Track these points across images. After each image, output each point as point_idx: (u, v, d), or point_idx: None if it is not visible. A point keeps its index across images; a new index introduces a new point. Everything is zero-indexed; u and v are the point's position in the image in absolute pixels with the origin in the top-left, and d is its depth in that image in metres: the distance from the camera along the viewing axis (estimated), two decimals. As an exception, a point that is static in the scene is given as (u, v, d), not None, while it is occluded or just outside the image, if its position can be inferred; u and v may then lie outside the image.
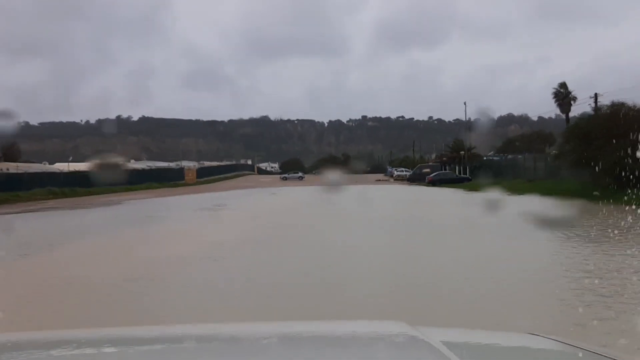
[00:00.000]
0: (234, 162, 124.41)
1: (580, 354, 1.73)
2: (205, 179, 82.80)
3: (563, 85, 79.51)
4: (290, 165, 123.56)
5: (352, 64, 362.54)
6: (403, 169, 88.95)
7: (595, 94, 45.12)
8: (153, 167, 79.91)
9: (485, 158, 70.41)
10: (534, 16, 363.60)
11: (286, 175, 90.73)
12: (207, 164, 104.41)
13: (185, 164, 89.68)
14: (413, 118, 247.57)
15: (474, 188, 47.28)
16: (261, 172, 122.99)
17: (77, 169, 65.27)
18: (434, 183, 58.87)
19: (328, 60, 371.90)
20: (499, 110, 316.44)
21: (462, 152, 69.90)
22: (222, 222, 22.41)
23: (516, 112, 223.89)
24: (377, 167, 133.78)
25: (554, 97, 79.21)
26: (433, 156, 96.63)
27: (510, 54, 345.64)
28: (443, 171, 65.95)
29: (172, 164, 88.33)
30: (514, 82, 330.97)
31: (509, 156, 62.99)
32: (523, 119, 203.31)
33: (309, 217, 22.90)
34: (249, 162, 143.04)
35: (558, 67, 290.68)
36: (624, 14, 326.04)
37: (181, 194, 49.02)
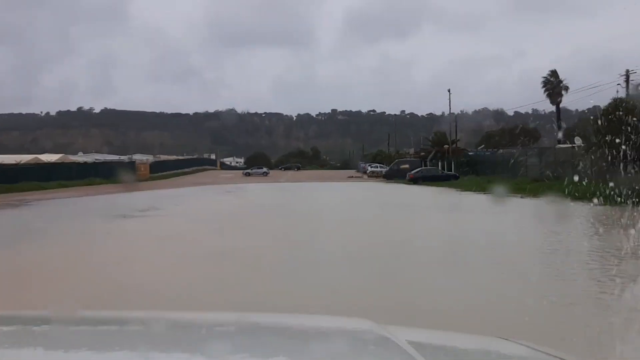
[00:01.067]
0: (195, 156, 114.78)
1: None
2: (161, 174, 73.62)
3: (553, 73, 72.23)
4: (256, 160, 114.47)
5: (321, 56, 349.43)
6: (377, 164, 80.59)
7: (627, 71, 37.48)
8: (101, 161, 70.26)
9: (471, 152, 62.26)
10: (508, 9, 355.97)
11: (249, 170, 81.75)
12: (164, 157, 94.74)
13: (139, 157, 79.99)
14: (385, 112, 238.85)
15: (468, 187, 39.00)
16: (225, 167, 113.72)
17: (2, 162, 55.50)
18: (415, 181, 50.49)
19: (296, 52, 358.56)
20: (474, 104, 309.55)
21: (446, 146, 61.61)
22: (107, 245, 13.53)
23: (491, 107, 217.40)
24: (347, 163, 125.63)
25: (543, 86, 71.97)
26: (411, 151, 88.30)
27: (484, 47, 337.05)
28: (426, 167, 57.48)
29: (125, 158, 78.49)
30: (488, 77, 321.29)
31: (501, 151, 54.85)
32: (499, 114, 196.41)
33: (252, 238, 14.09)
34: (213, 156, 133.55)
35: (534, 62, 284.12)
36: (600, 9, 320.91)
37: (118, 192, 39.94)
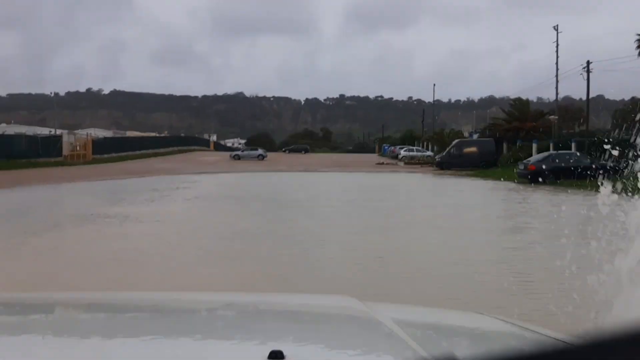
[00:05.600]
0: (181, 135, 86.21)
1: (526, 334, 1.52)
2: (116, 155, 45.48)
3: (652, 30, 43.69)
4: (258, 141, 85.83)
5: (328, 43, 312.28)
6: (413, 147, 52.13)
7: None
8: (17, 135, 41.88)
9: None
10: (504, 2, 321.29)
11: (239, 153, 53.12)
12: (130, 134, 66.57)
13: (84, 132, 50.89)
14: (392, 98, 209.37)
15: None
16: (220, 148, 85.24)
17: None
18: (538, 176, 21.91)
19: (301, 39, 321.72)
20: (479, 92, 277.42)
21: (553, 117, 32.89)
22: None
23: (497, 95, 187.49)
24: (361, 146, 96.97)
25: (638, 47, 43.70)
26: (466, 129, 59.09)
27: (482, 39, 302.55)
28: (558, 152, 27.41)
29: (65, 132, 49.56)
30: (488, 67, 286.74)
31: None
32: (504, 102, 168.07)
33: None
34: (214, 137, 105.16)
35: (531, 53, 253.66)
36: (596, 4, 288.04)
37: None
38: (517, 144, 35.02)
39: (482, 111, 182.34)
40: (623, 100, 63.33)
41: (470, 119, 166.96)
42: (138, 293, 2.31)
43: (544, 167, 21.86)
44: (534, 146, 31.92)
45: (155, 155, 51.80)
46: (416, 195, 18.79)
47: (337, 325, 1.54)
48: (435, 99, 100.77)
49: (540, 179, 21.91)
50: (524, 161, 24.08)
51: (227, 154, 57.96)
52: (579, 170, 19.70)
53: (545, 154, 24.89)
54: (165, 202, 14.62)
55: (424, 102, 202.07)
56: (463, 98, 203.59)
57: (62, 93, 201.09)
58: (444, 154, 37.17)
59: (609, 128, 37.83)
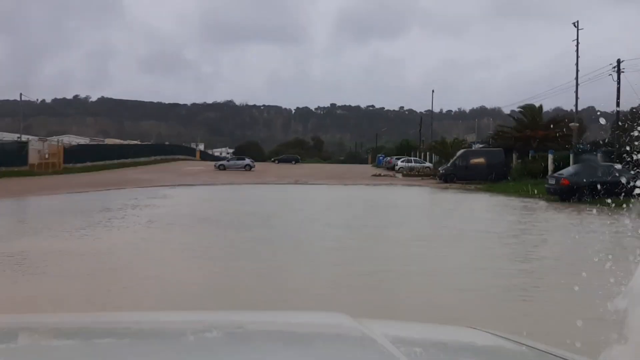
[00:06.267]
0: (166, 143, 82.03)
1: (519, 349, 1.47)
2: (91, 164, 41.55)
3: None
4: (246, 150, 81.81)
5: (319, 52, 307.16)
6: (412, 158, 48.53)
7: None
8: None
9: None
10: (494, 14, 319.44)
11: (224, 162, 49.33)
12: (109, 142, 62.48)
13: (55, 139, 46.62)
14: (383, 108, 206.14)
15: None
16: (207, 157, 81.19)
17: None
18: (573, 193, 18.33)
19: (292, 48, 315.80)
20: (470, 103, 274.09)
21: (573, 124, 29.43)
22: None
23: (488, 105, 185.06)
24: (353, 156, 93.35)
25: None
26: (471, 138, 55.30)
27: (472, 49, 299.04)
28: (589, 157, 23.56)
29: (33, 138, 45.32)
30: (478, 77, 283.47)
31: None
32: (496, 112, 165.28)
33: None
34: (201, 146, 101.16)
35: (521, 64, 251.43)
36: (582, 16, 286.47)
37: None
38: (530, 154, 31.54)
39: (474, 121, 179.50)
40: (614, 111, 59.79)
41: (462, 129, 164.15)
42: (112, 314, 2.10)
43: (577, 181, 18.25)
44: (550, 157, 28.42)
45: (135, 164, 47.87)
46: (438, 220, 15.11)
47: (329, 343, 1.44)
48: (427, 109, 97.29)
49: (574, 197, 18.35)
50: (555, 175, 20.44)
51: (213, 163, 54.11)
52: (621, 185, 16.12)
53: (578, 166, 21.27)
54: (107, 230, 10.84)
55: (415, 112, 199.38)
56: (454, 108, 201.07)
57: (48, 100, 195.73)
58: (448, 165, 33.58)
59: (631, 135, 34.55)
